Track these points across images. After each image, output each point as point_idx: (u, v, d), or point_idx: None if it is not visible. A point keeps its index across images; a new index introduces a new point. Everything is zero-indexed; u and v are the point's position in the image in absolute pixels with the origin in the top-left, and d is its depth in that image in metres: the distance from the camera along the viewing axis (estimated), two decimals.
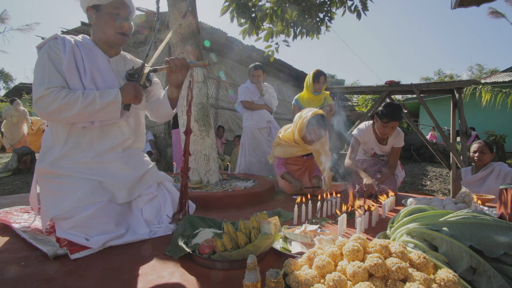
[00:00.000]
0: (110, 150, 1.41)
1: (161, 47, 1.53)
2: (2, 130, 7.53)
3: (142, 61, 1.57)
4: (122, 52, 1.53)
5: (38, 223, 1.43)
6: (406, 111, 6.09)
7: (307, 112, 2.28)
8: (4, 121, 7.44)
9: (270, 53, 3.24)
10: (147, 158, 1.62)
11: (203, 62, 1.48)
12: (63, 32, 6.09)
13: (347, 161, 2.70)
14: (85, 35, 1.47)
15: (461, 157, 4.50)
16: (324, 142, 2.37)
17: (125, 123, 1.48)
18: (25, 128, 7.58)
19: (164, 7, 2.28)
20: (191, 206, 1.60)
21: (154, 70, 1.47)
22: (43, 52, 1.30)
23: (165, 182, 1.58)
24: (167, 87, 1.53)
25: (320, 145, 2.35)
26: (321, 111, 2.31)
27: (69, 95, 1.25)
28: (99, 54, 1.41)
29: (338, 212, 1.64)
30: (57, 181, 1.31)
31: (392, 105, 2.45)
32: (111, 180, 1.37)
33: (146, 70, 1.45)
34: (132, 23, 1.47)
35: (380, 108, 2.49)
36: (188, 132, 1.51)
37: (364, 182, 2.32)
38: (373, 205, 1.68)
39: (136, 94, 1.37)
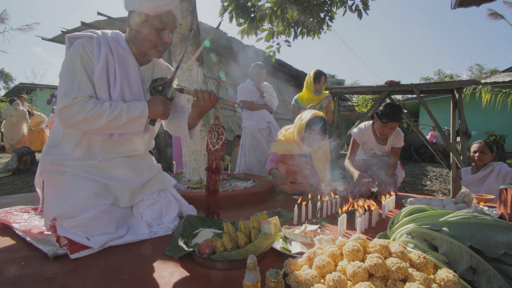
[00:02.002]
0: (118, 157, 1.40)
1: (191, 61, 1.46)
2: (2, 130, 7.54)
3: (168, 66, 1.51)
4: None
5: (38, 223, 1.43)
6: (406, 111, 6.09)
7: (307, 114, 2.28)
8: (4, 121, 7.44)
9: (271, 53, 3.23)
10: (154, 162, 1.59)
11: (232, 102, 1.39)
12: (63, 32, 6.06)
13: (346, 161, 2.71)
14: (120, 33, 1.35)
15: (461, 157, 4.50)
16: (324, 144, 2.36)
17: (140, 138, 1.45)
18: (24, 128, 7.58)
19: None
20: (191, 209, 1.60)
21: (181, 90, 1.38)
22: (75, 52, 1.22)
23: (170, 189, 1.56)
24: (190, 114, 1.44)
25: (319, 147, 2.34)
26: (321, 113, 2.30)
27: (95, 107, 1.19)
28: (132, 63, 1.33)
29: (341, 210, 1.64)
30: (62, 177, 1.29)
31: (392, 105, 2.45)
32: (115, 184, 1.36)
33: (173, 88, 1.38)
34: (173, 35, 1.37)
35: (380, 108, 2.49)
36: (213, 169, 1.40)
37: (355, 178, 2.32)
38: (373, 204, 1.67)
39: (164, 110, 1.31)
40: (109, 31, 1.34)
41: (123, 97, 1.30)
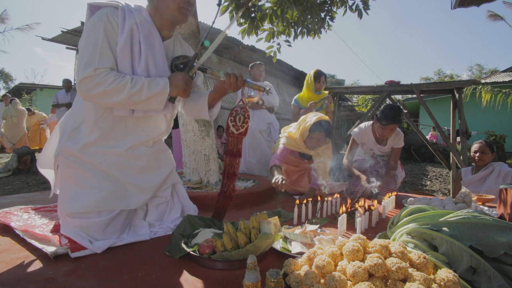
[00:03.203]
0: (143, 143, 1.36)
1: (216, 41, 1.32)
2: (2, 130, 7.54)
3: (188, 46, 1.47)
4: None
5: (38, 223, 1.43)
6: (406, 111, 6.09)
7: (312, 117, 2.24)
8: (4, 121, 7.44)
9: (272, 53, 3.23)
10: (170, 154, 1.56)
11: (259, 86, 1.30)
12: (63, 32, 6.04)
13: (344, 161, 2.71)
14: (142, 6, 1.30)
15: (461, 157, 4.49)
16: (326, 148, 2.34)
17: (162, 116, 1.41)
18: (25, 128, 7.60)
19: None
20: (193, 209, 1.60)
21: (204, 71, 1.34)
22: (98, 21, 1.16)
23: (178, 185, 1.56)
24: (210, 93, 1.38)
25: (321, 151, 2.32)
26: (326, 117, 2.27)
27: (117, 80, 1.15)
28: (156, 37, 1.28)
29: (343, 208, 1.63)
30: (81, 169, 1.25)
31: (391, 107, 2.44)
32: (137, 182, 1.33)
33: (196, 66, 1.32)
34: None
35: (380, 109, 2.49)
36: (235, 153, 1.36)
37: (362, 181, 2.32)
38: (373, 205, 1.68)
39: (186, 88, 1.27)
40: (131, 3, 1.29)
41: (148, 72, 1.26)
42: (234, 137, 1.37)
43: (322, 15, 3.12)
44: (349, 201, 1.75)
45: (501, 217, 1.58)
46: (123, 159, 1.31)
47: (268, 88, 1.35)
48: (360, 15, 3.05)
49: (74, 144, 1.26)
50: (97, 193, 1.24)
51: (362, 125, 2.74)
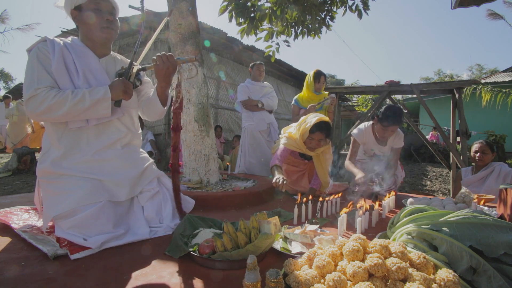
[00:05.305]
0: (108, 147, 1.42)
1: (148, 45, 1.54)
2: (7, 129, 7.54)
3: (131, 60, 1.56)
4: (112, 52, 1.53)
5: (39, 223, 1.43)
6: (406, 111, 6.09)
7: (312, 118, 2.23)
8: (8, 121, 7.44)
9: (271, 53, 3.23)
10: (145, 154, 1.62)
11: (189, 57, 1.46)
12: (63, 32, 6.09)
13: (346, 162, 2.70)
14: (75, 37, 1.47)
15: (461, 157, 4.49)
16: (326, 149, 2.34)
17: (119, 122, 1.48)
18: (28, 128, 7.59)
19: (164, 7, 2.29)
20: (190, 202, 1.61)
21: (143, 69, 1.47)
22: (32, 54, 1.32)
23: (162, 178, 1.58)
24: (156, 85, 1.51)
25: (321, 151, 2.32)
26: (326, 118, 2.26)
27: (58, 95, 1.26)
28: (90, 55, 1.41)
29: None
30: (58, 181, 1.31)
31: (392, 108, 2.44)
32: (112, 178, 1.37)
33: (135, 69, 1.45)
34: (117, 19, 1.47)
35: (381, 110, 2.49)
36: (176, 128, 1.49)
37: (356, 177, 2.30)
38: (373, 205, 1.67)
39: (126, 90, 1.37)
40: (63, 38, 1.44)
41: (89, 85, 1.36)
42: (175, 112, 1.49)
43: (322, 15, 3.12)
44: (350, 202, 1.75)
45: (501, 217, 1.58)
46: (92, 164, 1.37)
47: (198, 57, 1.42)
48: (360, 15, 3.06)
49: (45, 162, 1.35)
50: (77, 192, 1.27)
51: (362, 125, 2.74)
